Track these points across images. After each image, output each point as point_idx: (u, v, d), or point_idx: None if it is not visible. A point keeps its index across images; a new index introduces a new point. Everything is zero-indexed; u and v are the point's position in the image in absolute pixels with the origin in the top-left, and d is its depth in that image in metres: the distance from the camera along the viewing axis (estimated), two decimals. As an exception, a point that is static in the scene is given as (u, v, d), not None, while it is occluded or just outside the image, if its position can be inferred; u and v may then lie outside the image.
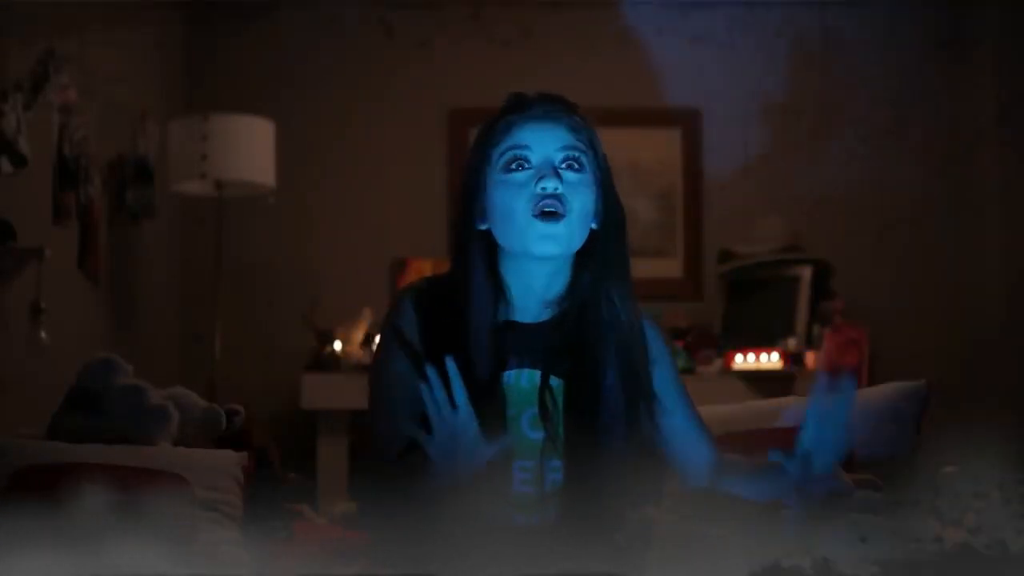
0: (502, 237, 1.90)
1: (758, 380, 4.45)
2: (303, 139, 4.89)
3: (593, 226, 1.92)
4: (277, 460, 2.37)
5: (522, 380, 1.90)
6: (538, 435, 1.88)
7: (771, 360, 4.53)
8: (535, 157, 1.88)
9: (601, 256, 1.93)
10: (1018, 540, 1.60)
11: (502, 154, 1.89)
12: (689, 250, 5.06)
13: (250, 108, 4.48)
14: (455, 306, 1.88)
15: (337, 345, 4.53)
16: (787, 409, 2.29)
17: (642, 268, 5.60)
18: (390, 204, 4.99)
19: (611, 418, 1.89)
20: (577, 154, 1.89)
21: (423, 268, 4.60)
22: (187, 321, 4.94)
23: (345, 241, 4.99)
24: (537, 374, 1.90)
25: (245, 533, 2.07)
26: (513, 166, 1.88)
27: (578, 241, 1.89)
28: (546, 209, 1.85)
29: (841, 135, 5.01)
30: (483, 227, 1.91)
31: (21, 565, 1.61)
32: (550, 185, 1.85)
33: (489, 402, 1.85)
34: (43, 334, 3.37)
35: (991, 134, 4.96)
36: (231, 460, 2.16)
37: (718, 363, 4.58)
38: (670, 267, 5.05)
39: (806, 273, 4.78)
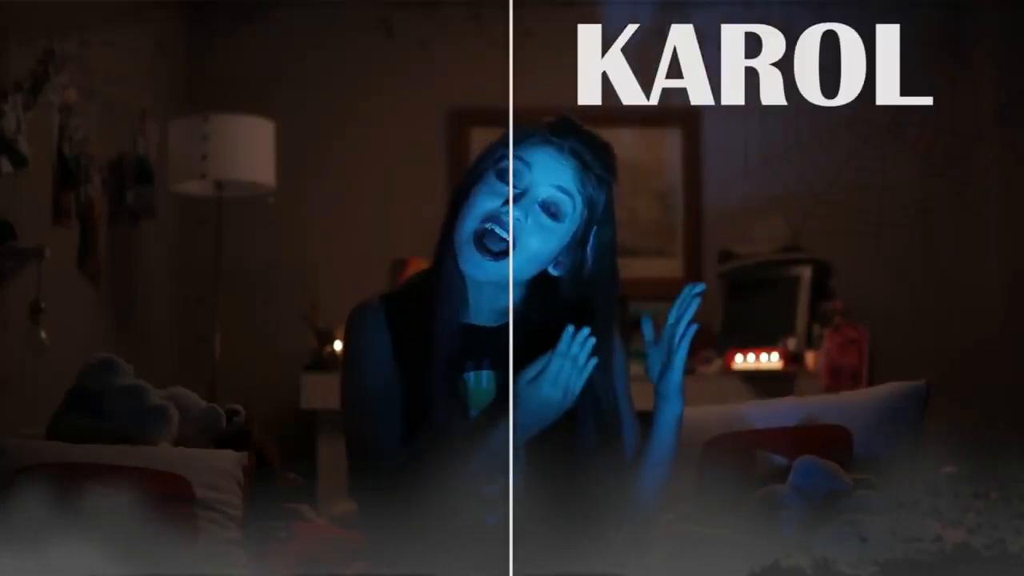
0: (458, 227, 1.90)
1: (758, 380, 4.45)
2: (303, 139, 4.89)
3: (554, 272, 1.91)
4: (277, 460, 2.37)
5: (482, 381, 1.91)
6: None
7: (771, 360, 4.53)
8: (526, 179, 1.87)
9: (574, 309, 1.90)
10: (1018, 540, 1.60)
11: (504, 156, 1.88)
12: (689, 250, 5.07)
13: (250, 108, 4.48)
14: (429, 305, 1.90)
15: (337, 345, 4.53)
16: (787, 409, 2.29)
17: (642, 268, 5.62)
18: (390, 204, 4.99)
19: (581, 426, 1.90)
20: (564, 200, 1.87)
21: (423, 268, 4.60)
22: (187, 321, 4.94)
23: (345, 241, 4.99)
24: (494, 374, 1.91)
25: (245, 533, 2.07)
26: (504, 178, 1.87)
27: (516, 277, 1.88)
28: (493, 231, 1.84)
29: (841, 135, 5.01)
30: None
31: (22, 564, 1.61)
32: (514, 215, 1.84)
33: (454, 402, 1.88)
34: (43, 334, 3.36)
35: (991, 134, 4.96)
36: (231, 460, 2.16)
37: (718, 363, 4.58)
38: (670, 267, 5.05)
39: (806, 273, 4.78)
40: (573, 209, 1.88)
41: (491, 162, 1.90)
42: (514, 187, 1.87)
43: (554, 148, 1.89)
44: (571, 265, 1.92)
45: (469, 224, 1.87)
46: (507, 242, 1.85)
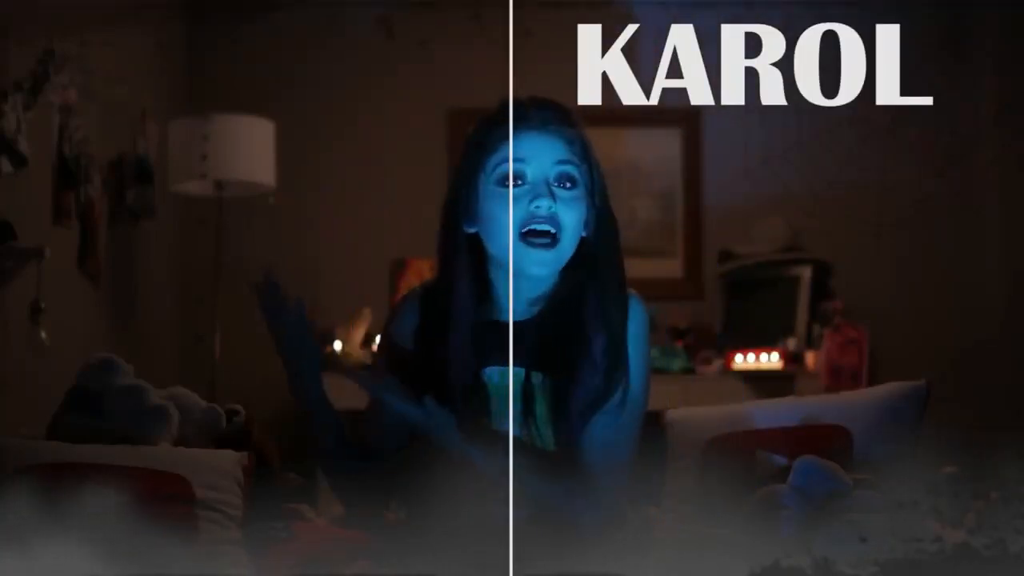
0: (491, 246, 1.92)
1: (758, 380, 4.45)
2: (303, 139, 4.89)
3: (583, 235, 1.93)
4: (277, 460, 2.37)
5: (505, 378, 1.91)
6: (521, 431, 1.89)
7: (771, 360, 4.53)
8: (530, 172, 1.89)
9: (593, 266, 1.93)
10: (1018, 540, 1.60)
11: (497, 165, 1.90)
12: (689, 250, 5.06)
13: (250, 108, 4.48)
14: (443, 306, 1.93)
15: (337, 345, 4.53)
16: (787, 409, 2.29)
17: (642, 268, 5.63)
18: (390, 204, 4.99)
19: (594, 414, 1.89)
20: (571, 169, 1.90)
21: (423, 268, 4.60)
22: (187, 321, 4.94)
23: (345, 241, 4.99)
24: (520, 371, 1.91)
25: (245, 533, 2.07)
26: (507, 182, 1.89)
27: (567, 257, 1.91)
28: (538, 229, 1.87)
29: (841, 135, 5.01)
30: (472, 230, 1.93)
31: (21, 565, 1.61)
32: (544, 205, 1.87)
33: (473, 399, 1.89)
34: (43, 334, 3.37)
35: (991, 134, 4.96)
36: (231, 460, 2.16)
37: (718, 363, 4.58)
38: (670, 267, 5.05)
39: (806, 273, 4.78)
40: (580, 172, 1.91)
41: (484, 169, 1.91)
42: (523, 184, 1.89)
43: (530, 130, 1.90)
44: (595, 219, 1.93)
45: (512, 234, 1.88)
46: (550, 233, 1.87)
